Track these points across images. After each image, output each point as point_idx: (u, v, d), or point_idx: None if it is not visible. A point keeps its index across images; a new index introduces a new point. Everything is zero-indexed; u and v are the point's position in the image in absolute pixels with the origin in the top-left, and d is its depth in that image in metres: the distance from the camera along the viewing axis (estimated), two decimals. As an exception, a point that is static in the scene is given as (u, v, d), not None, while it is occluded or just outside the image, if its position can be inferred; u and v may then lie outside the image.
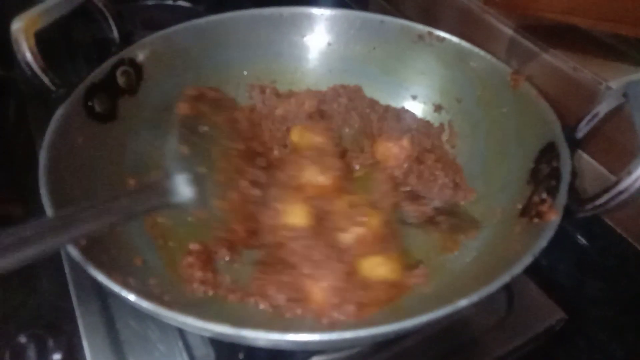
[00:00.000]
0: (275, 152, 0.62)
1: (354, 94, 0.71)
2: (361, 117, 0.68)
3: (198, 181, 0.47)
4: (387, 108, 0.70)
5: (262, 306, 0.48)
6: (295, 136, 0.63)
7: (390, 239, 0.54)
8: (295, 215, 0.53)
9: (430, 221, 0.58)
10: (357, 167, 0.63)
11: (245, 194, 0.51)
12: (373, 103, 0.71)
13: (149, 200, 0.44)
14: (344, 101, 0.69)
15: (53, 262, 0.56)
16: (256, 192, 0.52)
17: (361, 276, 0.49)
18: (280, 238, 0.52)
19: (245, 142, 0.54)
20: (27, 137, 0.72)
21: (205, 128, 0.49)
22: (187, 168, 0.47)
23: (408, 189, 0.60)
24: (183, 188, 0.46)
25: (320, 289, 0.46)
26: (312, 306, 0.46)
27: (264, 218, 0.53)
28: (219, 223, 0.50)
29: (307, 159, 0.57)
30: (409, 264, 0.52)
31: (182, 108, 0.49)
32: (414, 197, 0.60)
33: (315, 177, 0.56)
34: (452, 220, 0.58)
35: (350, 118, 0.68)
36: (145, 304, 0.36)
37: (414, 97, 0.70)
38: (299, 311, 0.46)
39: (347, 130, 0.67)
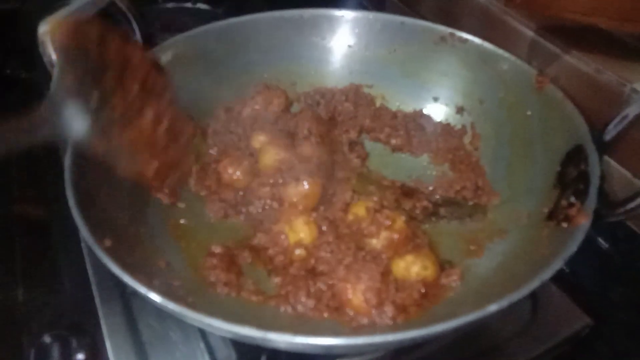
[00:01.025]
0: (245, 163, 0.60)
1: (363, 99, 0.71)
2: (370, 120, 0.68)
3: (90, 114, 0.44)
4: (396, 114, 0.70)
5: (285, 310, 0.47)
6: (257, 143, 0.62)
7: (416, 238, 0.54)
8: (300, 231, 0.53)
9: (434, 214, 0.58)
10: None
11: (148, 132, 0.48)
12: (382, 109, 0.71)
13: (39, 132, 0.41)
14: (349, 105, 0.70)
15: (76, 262, 0.56)
16: (160, 130, 0.49)
17: (397, 277, 0.49)
18: (295, 256, 0.52)
19: (141, 79, 0.49)
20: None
21: (90, 63, 0.45)
22: (75, 100, 0.43)
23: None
24: (74, 120, 0.43)
25: (358, 291, 0.45)
26: (349, 310, 0.46)
27: (269, 242, 0.54)
28: (123, 161, 0.47)
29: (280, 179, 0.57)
30: (441, 264, 0.52)
31: (61, 39, 0.45)
32: (408, 192, 0.61)
33: (297, 191, 0.56)
34: (456, 210, 0.58)
35: (355, 122, 0.68)
36: (172, 306, 0.36)
37: (436, 99, 0.69)
38: (325, 315, 0.46)
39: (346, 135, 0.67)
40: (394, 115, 0.69)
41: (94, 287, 0.54)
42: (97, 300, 0.53)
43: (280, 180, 0.57)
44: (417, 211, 0.59)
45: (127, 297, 0.53)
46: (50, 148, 0.72)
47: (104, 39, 0.46)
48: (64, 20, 0.48)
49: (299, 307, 0.47)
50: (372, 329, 0.44)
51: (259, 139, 0.63)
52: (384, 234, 0.52)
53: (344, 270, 0.47)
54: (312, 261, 0.51)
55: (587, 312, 0.52)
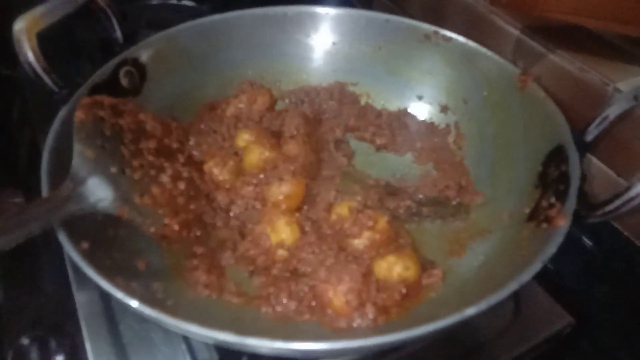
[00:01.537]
0: (231, 163, 0.59)
1: (348, 97, 0.71)
2: (355, 119, 0.68)
3: (112, 181, 0.47)
4: (380, 112, 0.69)
5: (266, 311, 0.47)
6: (242, 142, 0.62)
7: (399, 238, 0.53)
8: (281, 232, 0.53)
9: (418, 214, 0.58)
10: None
11: (169, 189, 0.51)
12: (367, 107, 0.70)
13: (65, 208, 0.43)
14: (334, 104, 0.69)
15: (56, 263, 0.55)
16: (181, 185, 0.52)
17: (378, 277, 0.48)
18: (277, 257, 0.52)
19: (157, 141, 0.54)
20: (31, 137, 0.72)
21: (107, 132, 0.49)
22: (97, 170, 0.46)
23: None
24: (98, 190, 0.46)
25: (339, 292, 0.45)
26: (330, 311, 0.46)
27: (250, 244, 0.53)
28: (148, 219, 0.49)
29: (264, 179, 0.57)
30: (423, 264, 0.51)
31: (78, 116, 0.48)
32: (392, 192, 0.61)
33: (280, 190, 0.56)
34: (439, 210, 0.58)
35: (340, 121, 0.68)
36: (148, 311, 0.36)
37: (420, 98, 0.69)
38: (306, 316, 0.46)
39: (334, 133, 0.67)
40: (379, 114, 0.69)
41: (74, 288, 0.53)
42: (77, 301, 0.52)
43: (264, 180, 0.57)
44: (401, 210, 0.59)
45: (107, 298, 0.52)
46: (31, 145, 0.72)
47: (117, 110, 0.51)
48: (81, 99, 0.49)
49: (279, 309, 0.46)
50: (352, 331, 0.43)
51: (244, 138, 0.62)
52: (366, 234, 0.51)
53: (325, 272, 0.47)
54: (294, 262, 0.51)
55: (570, 311, 0.52)
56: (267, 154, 0.59)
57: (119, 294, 0.37)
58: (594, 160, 0.57)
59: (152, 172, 0.50)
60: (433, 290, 0.49)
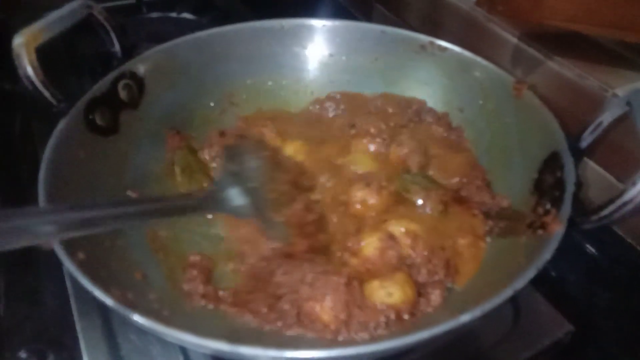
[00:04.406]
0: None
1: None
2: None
3: (250, 194, 0.51)
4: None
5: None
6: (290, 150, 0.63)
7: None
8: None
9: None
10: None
11: (300, 216, 0.54)
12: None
13: (206, 206, 0.51)
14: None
15: (56, 274, 0.56)
16: (311, 216, 0.55)
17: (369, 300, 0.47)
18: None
19: (292, 175, 0.58)
20: (33, 150, 0.73)
21: (249, 158, 0.56)
22: (237, 182, 0.51)
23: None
24: (237, 198, 0.50)
25: (326, 308, 0.45)
26: (322, 326, 0.45)
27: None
28: (278, 233, 0.52)
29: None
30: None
31: (227, 140, 0.58)
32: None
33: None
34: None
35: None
36: (142, 320, 0.36)
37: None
38: (301, 330, 0.45)
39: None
40: None
41: (72, 300, 0.53)
42: (75, 314, 0.52)
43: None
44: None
45: (106, 310, 0.52)
46: (30, 157, 0.72)
47: (261, 146, 0.59)
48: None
49: (276, 325, 0.46)
50: (348, 340, 0.43)
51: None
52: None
53: (307, 288, 0.47)
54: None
55: (572, 318, 0.52)
56: None
57: (113, 304, 0.37)
58: (594, 166, 0.57)
59: (285, 199, 0.54)
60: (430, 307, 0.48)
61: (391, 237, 0.52)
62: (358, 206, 0.56)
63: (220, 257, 0.54)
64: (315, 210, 0.56)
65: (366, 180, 0.57)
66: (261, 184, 0.53)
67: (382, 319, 0.44)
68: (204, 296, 0.48)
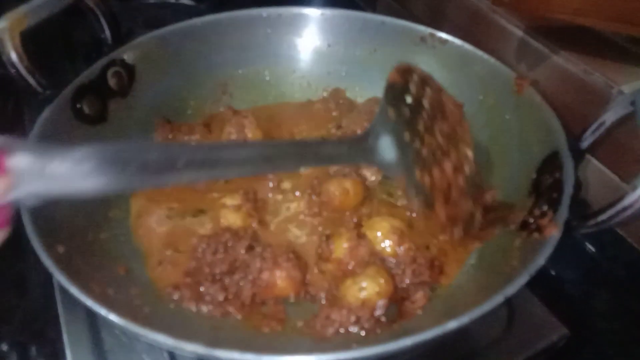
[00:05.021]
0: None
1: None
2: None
3: (401, 147, 0.47)
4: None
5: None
6: None
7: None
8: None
9: None
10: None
11: (449, 178, 0.48)
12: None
13: (354, 155, 0.47)
14: None
15: (42, 265, 0.55)
16: (460, 180, 0.48)
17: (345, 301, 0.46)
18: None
19: (450, 126, 0.50)
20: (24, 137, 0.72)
21: (409, 99, 0.48)
22: (393, 132, 0.47)
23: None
24: (387, 150, 0.47)
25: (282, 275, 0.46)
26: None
27: None
28: (420, 196, 0.47)
29: None
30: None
31: (392, 76, 0.49)
32: None
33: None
34: None
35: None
36: (117, 319, 0.35)
37: (415, 101, 0.67)
38: (279, 328, 0.45)
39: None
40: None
41: (57, 293, 0.52)
42: (60, 306, 0.51)
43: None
44: None
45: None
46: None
47: (424, 84, 0.49)
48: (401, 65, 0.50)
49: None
50: (332, 345, 0.42)
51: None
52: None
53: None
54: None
55: (568, 321, 0.51)
56: None
57: (89, 303, 0.36)
58: (595, 163, 0.55)
59: (439, 154, 0.48)
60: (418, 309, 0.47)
61: (359, 235, 0.51)
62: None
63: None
64: (465, 172, 0.49)
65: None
66: (415, 136, 0.47)
67: (353, 318, 0.44)
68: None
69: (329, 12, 0.69)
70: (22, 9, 0.51)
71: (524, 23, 0.62)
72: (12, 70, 0.50)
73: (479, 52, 0.61)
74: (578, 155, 0.48)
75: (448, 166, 0.47)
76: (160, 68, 0.63)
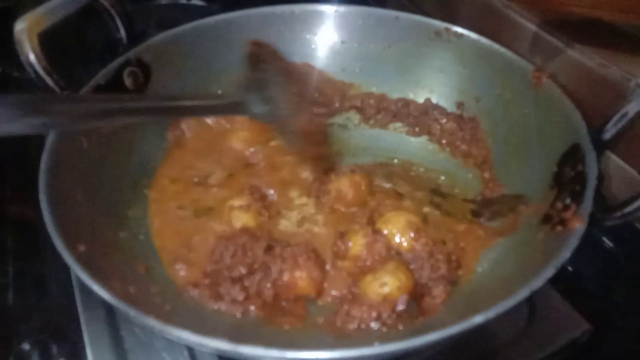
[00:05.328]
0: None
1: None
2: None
3: (267, 102, 0.55)
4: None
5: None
6: None
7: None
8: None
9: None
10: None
11: (304, 126, 0.58)
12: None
13: (228, 108, 0.55)
14: None
15: (61, 265, 0.55)
16: (313, 127, 0.60)
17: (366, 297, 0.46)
18: None
19: (300, 88, 0.62)
20: (40, 137, 0.72)
21: (265, 67, 0.58)
22: (257, 89, 0.55)
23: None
24: (257, 105, 0.54)
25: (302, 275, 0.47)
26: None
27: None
28: (292, 140, 0.58)
29: None
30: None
31: (247, 48, 0.59)
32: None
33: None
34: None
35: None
36: (133, 313, 0.35)
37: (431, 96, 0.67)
38: (299, 324, 0.45)
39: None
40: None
41: (76, 292, 0.53)
42: (79, 306, 0.51)
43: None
44: None
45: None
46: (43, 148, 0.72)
47: (272, 55, 0.62)
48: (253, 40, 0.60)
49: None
50: (354, 340, 0.42)
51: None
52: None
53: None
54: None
55: (589, 316, 0.50)
56: None
57: (112, 300, 0.36)
58: (614, 158, 0.54)
59: (292, 110, 0.57)
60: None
61: (375, 230, 0.51)
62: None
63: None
64: (316, 122, 0.62)
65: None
66: (278, 93, 0.56)
67: (374, 314, 0.43)
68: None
69: (342, 8, 0.68)
70: (39, 10, 0.51)
71: (538, 17, 0.62)
72: (31, 71, 0.50)
73: (496, 46, 0.61)
74: (599, 147, 0.47)
75: (301, 120, 0.57)
76: (175, 67, 0.63)
